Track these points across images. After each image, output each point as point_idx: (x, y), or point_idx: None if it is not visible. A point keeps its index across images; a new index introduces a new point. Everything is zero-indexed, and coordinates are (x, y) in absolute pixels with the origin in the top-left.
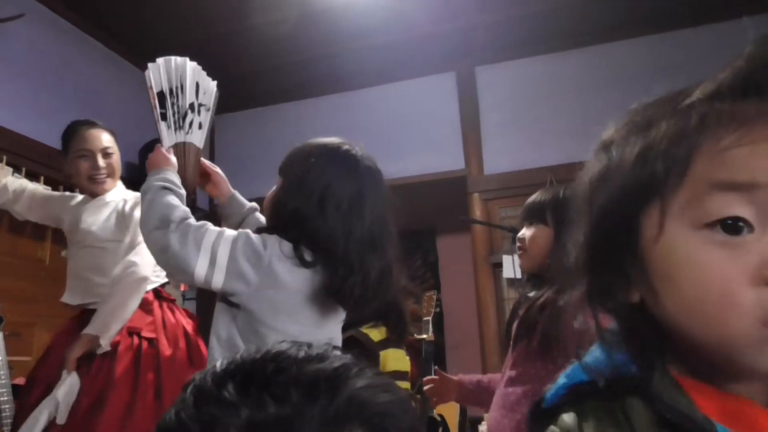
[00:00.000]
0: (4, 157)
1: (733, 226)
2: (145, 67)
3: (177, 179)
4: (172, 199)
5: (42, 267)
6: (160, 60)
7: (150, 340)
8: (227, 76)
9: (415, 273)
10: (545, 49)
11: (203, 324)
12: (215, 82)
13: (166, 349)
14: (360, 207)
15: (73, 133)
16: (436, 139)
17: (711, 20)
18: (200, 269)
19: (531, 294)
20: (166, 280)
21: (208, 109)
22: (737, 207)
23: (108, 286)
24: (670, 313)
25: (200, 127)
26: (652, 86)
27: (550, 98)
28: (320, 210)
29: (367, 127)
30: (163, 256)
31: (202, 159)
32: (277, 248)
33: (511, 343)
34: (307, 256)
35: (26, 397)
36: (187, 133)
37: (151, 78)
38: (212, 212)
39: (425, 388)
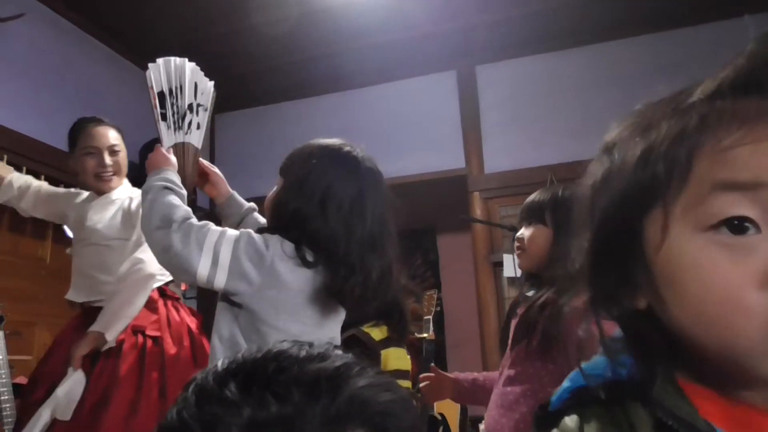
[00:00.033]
0: (5, 156)
1: (739, 226)
2: (146, 67)
3: (178, 179)
4: (174, 199)
5: (43, 266)
6: (160, 60)
7: (155, 339)
8: (227, 75)
9: (415, 272)
10: (545, 48)
11: (207, 322)
12: (212, 82)
13: (170, 348)
14: (361, 208)
15: (80, 129)
16: (437, 138)
17: (711, 19)
18: (202, 269)
19: (530, 293)
20: (171, 278)
21: (206, 109)
22: (742, 207)
23: (113, 284)
24: (677, 319)
25: (198, 127)
26: (652, 85)
27: (550, 97)
28: (321, 211)
29: (367, 126)
30: (165, 255)
31: (200, 159)
32: (279, 248)
33: (510, 342)
34: (309, 257)
35: (30, 396)
36: (186, 133)
37: (152, 78)
38: (212, 212)
39: (421, 385)
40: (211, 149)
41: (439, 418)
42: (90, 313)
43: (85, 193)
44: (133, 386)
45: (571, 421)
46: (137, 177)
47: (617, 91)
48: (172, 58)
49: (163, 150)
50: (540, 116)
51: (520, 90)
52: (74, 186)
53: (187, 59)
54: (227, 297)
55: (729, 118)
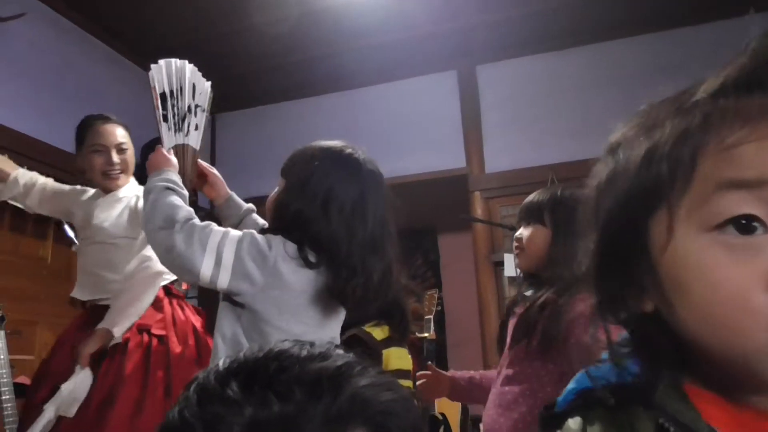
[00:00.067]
0: (6, 156)
1: (746, 225)
2: (146, 67)
3: (179, 180)
4: (176, 200)
5: (44, 266)
6: (161, 62)
7: (160, 338)
8: (228, 75)
9: (416, 272)
10: (546, 48)
11: (209, 321)
12: (209, 83)
13: (175, 347)
14: (362, 210)
15: (88, 127)
16: (437, 138)
17: (711, 19)
18: (206, 269)
19: (528, 293)
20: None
21: (204, 110)
22: (748, 205)
23: (119, 282)
24: (683, 321)
25: (196, 128)
26: (652, 85)
27: (550, 97)
28: (324, 213)
29: (368, 126)
30: (168, 256)
31: (199, 160)
32: (281, 249)
33: (508, 341)
34: (311, 257)
35: (34, 395)
36: (186, 135)
37: (154, 79)
38: (212, 212)
39: (418, 383)
40: (211, 149)
41: (441, 417)
42: (95, 311)
43: (91, 191)
44: (138, 385)
45: (574, 423)
46: (139, 176)
47: (618, 91)
48: (173, 60)
49: (164, 151)
50: (540, 116)
51: (520, 90)
52: (76, 184)
53: (186, 61)
54: (230, 297)
55: (732, 117)
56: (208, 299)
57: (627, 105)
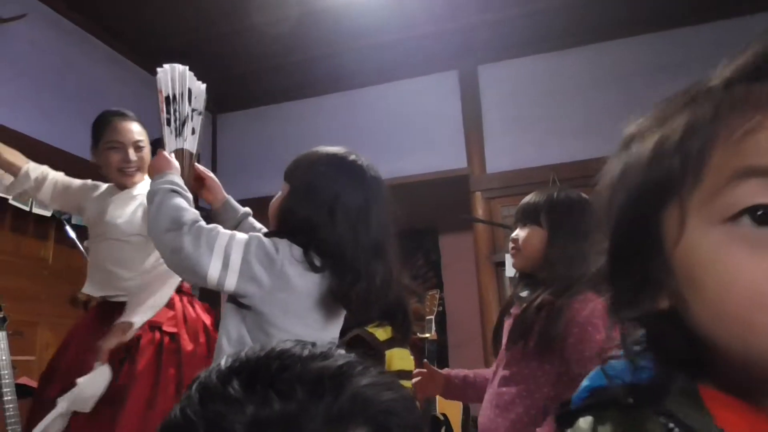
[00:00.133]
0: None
1: (763, 216)
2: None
3: (182, 183)
4: (182, 202)
5: (45, 266)
6: (166, 66)
7: (171, 335)
8: (228, 75)
9: (417, 272)
10: (547, 48)
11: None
12: (205, 85)
13: (187, 344)
14: (366, 216)
15: (107, 123)
16: (438, 138)
17: (711, 19)
18: (213, 271)
19: (523, 294)
20: None
21: (200, 113)
22: (764, 194)
23: (132, 279)
24: (698, 318)
25: (193, 132)
26: (653, 85)
27: (552, 96)
28: (330, 219)
29: (369, 126)
30: (175, 257)
31: (196, 164)
32: (288, 252)
33: (505, 342)
34: (316, 262)
35: (44, 392)
36: (185, 139)
37: (161, 82)
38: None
39: (413, 381)
40: (212, 150)
41: (442, 418)
42: (106, 307)
43: (103, 186)
44: (150, 382)
45: (585, 422)
46: None
47: (619, 91)
48: (176, 65)
49: (166, 154)
50: (542, 116)
51: (521, 89)
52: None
53: (186, 67)
54: (235, 299)
55: (743, 105)
56: (210, 300)
57: (628, 105)
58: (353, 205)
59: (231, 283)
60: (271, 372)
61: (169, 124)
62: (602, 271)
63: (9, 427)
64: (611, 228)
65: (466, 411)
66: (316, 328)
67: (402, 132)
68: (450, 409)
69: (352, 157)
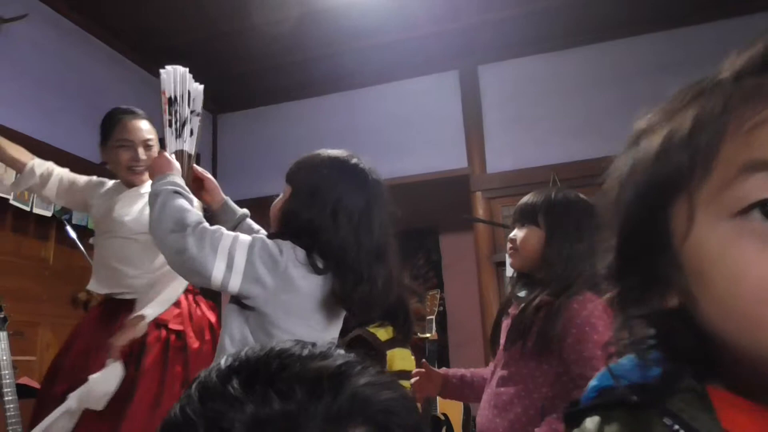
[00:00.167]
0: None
1: None
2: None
3: (184, 183)
4: (185, 203)
5: (46, 266)
6: (169, 67)
7: (177, 333)
8: (228, 75)
9: (418, 272)
10: (548, 48)
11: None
12: (202, 86)
13: (193, 342)
14: (368, 219)
15: (117, 121)
16: (439, 138)
17: (712, 18)
18: (217, 272)
19: (521, 294)
20: None
21: (198, 114)
22: None
23: (139, 277)
24: (707, 315)
25: (191, 133)
26: (654, 84)
27: (552, 96)
28: (333, 222)
29: (369, 126)
30: (178, 258)
31: (194, 165)
32: (292, 254)
33: (503, 342)
34: (319, 264)
35: (50, 389)
36: (185, 140)
37: (165, 82)
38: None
39: (411, 380)
40: (212, 150)
41: (443, 418)
42: (110, 305)
43: (110, 183)
44: (156, 379)
45: (591, 422)
46: None
47: (619, 90)
48: (177, 67)
49: (167, 155)
50: (542, 116)
51: (522, 89)
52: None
53: (187, 69)
54: (238, 300)
55: (754, 97)
56: (211, 297)
57: (629, 105)
58: (355, 208)
59: (235, 285)
60: (270, 371)
61: (170, 125)
62: (609, 269)
63: (9, 428)
64: (619, 224)
65: (466, 411)
66: (318, 329)
67: (402, 132)
68: (451, 409)
69: (354, 160)
